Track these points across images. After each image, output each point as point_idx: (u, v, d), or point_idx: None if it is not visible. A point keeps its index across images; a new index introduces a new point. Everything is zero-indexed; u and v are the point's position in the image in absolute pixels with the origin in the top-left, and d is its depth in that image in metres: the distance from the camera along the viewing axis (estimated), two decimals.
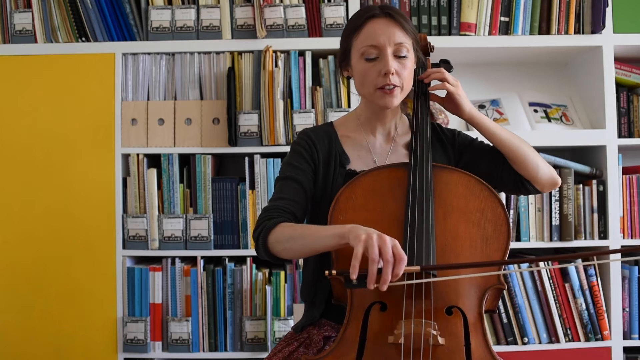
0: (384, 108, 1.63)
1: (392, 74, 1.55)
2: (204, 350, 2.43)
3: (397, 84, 1.57)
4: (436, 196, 1.49)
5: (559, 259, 1.62)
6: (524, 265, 2.49)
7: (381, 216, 1.47)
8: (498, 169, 1.67)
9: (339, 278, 1.36)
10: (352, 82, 2.37)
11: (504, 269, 1.55)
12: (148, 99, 2.51)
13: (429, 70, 1.69)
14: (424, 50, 1.76)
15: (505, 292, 2.44)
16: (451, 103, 1.66)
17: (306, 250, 1.45)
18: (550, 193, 2.51)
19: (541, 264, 2.45)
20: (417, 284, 1.36)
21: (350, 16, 2.47)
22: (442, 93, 1.69)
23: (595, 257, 2.49)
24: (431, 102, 1.72)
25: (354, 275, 1.25)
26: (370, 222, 1.44)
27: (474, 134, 2.53)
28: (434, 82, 1.69)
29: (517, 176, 1.65)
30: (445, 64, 1.78)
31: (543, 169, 1.65)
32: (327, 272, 1.32)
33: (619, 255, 2.49)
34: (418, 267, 1.31)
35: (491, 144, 1.70)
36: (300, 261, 2.36)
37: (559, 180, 1.69)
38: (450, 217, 1.46)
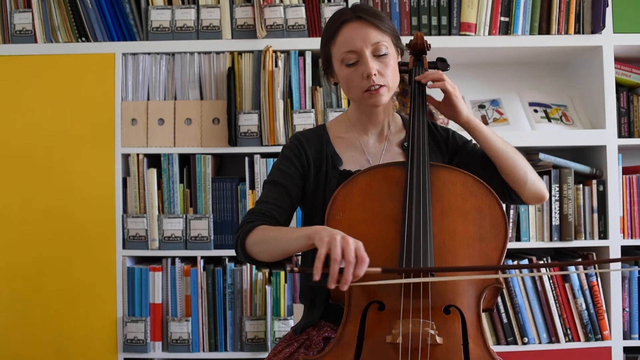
0: (374, 107, 1.62)
1: (375, 75, 1.55)
2: (204, 350, 2.43)
3: (382, 84, 1.57)
4: (433, 195, 1.48)
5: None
6: (524, 269, 2.48)
7: (378, 215, 1.46)
8: (487, 175, 1.63)
9: (301, 274, 1.35)
10: None
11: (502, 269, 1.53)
12: (148, 99, 2.51)
13: (427, 72, 1.68)
14: (420, 48, 1.75)
15: (505, 292, 2.44)
16: (448, 106, 1.64)
17: (279, 252, 1.46)
18: (550, 193, 2.50)
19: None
20: (415, 283, 1.36)
21: None
22: (434, 93, 1.68)
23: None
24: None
25: (316, 277, 1.26)
26: (367, 221, 1.45)
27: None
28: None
29: (504, 184, 1.64)
30: (442, 62, 1.77)
31: (532, 182, 1.62)
32: (289, 267, 1.33)
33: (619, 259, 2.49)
34: (379, 269, 1.30)
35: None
36: (299, 262, 2.36)
37: (546, 196, 1.67)
38: (447, 216, 1.46)
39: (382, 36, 1.57)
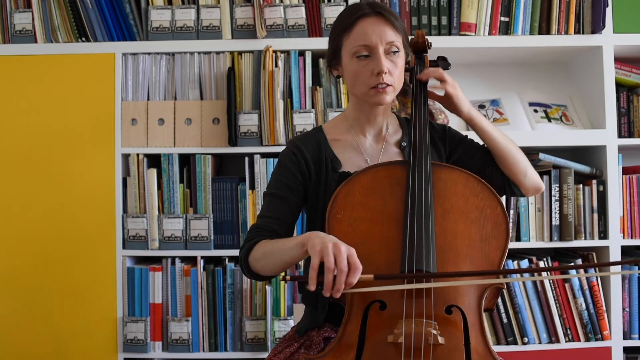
0: (376, 105, 1.62)
1: (385, 73, 1.55)
2: (204, 350, 2.43)
3: (390, 83, 1.56)
4: (435, 194, 1.48)
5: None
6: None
7: (380, 214, 1.46)
8: (488, 169, 1.68)
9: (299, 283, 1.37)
10: None
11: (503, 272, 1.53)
12: (148, 99, 2.51)
13: (427, 70, 1.69)
14: (421, 47, 1.75)
15: (505, 292, 2.44)
16: (450, 103, 1.67)
17: (279, 264, 1.48)
18: (550, 193, 2.50)
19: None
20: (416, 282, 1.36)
21: None
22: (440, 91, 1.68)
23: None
24: (430, 102, 1.71)
25: (312, 287, 1.29)
26: (368, 220, 1.45)
27: (471, 133, 2.54)
28: (432, 81, 1.68)
29: (505, 178, 1.68)
30: (443, 61, 1.77)
31: (530, 174, 1.68)
32: (281, 276, 1.36)
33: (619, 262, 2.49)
34: (372, 276, 1.31)
35: (481, 143, 1.70)
36: (301, 263, 2.36)
37: (543, 187, 1.74)
38: (449, 216, 1.46)
39: (396, 36, 1.58)
